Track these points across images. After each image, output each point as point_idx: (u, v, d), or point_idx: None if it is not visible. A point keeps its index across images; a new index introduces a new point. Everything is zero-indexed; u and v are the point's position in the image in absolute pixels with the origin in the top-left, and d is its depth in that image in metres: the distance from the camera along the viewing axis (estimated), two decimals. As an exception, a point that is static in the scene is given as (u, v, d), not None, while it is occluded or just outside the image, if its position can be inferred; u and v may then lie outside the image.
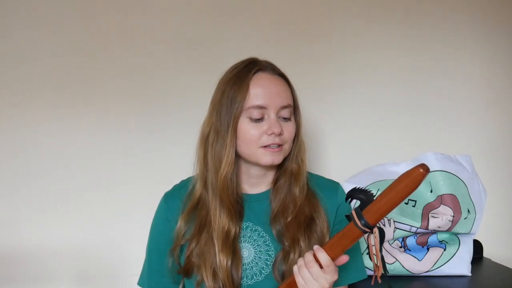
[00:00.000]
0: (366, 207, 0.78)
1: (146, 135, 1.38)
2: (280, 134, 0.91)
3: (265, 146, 0.91)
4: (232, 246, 0.91)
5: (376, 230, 0.79)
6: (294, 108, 0.97)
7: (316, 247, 0.82)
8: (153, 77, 1.38)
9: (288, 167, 0.98)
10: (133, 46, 1.37)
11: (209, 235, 0.92)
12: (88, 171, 1.35)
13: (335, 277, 0.81)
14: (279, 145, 0.92)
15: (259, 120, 0.91)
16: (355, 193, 0.80)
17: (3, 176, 1.32)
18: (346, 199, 0.82)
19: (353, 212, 0.79)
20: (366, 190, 0.80)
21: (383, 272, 0.84)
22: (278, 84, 0.94)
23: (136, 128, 1.37)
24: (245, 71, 0.93)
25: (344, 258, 0.82)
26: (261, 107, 0.90)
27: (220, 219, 0.92)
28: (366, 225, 0.77)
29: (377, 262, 0.83)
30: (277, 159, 0.92)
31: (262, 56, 1.00)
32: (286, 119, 0.94)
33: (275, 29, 1.42)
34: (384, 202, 0.75)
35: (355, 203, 0.81)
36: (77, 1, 1.34)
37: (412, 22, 1.48)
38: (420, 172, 0.71)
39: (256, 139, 0.91)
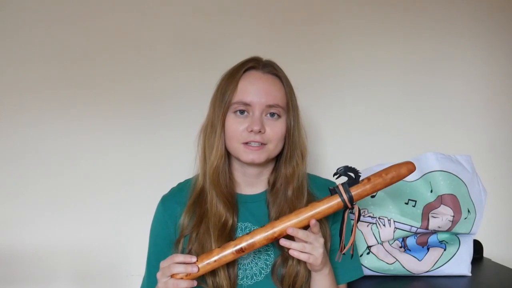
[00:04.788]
0: (353, 186, 0.85)
1: (146, 136, 1.38)
2: (260, 132, 0.91)
3: (246, 143, 0.92)
4: (228, 238, 0.91)
5: (356, 206, 0.86)
6: (288, 109, 0.96)
7: (298, 219, 0.84)
8: (154, 78, 1.38)
9: (283, 170, 0.98)
10: (134, 47, 1.37)
11: (206, 225, 0.93)
12: (88, 171, 1.36)
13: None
14: (262, 144, 0.92)
15: (243, 116, 0.92)
16: (347, 170, 0.85)
17: (4, 176, 1.32)
18: (334, 174, 0.86)
19: (340, 187, 0.85)
20: (356, 169, 0.85)
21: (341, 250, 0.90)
22: (269, 82, 0.94)
23: (136, 129, 1.38)
24: (238, 68, 0.95)
25: (313, 222, 0.85)
26: (245, 103, 0.91)
27: (216, 209, 0.93)
28: (350, 200, 0.84)
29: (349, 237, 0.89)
30: (258, 158, 0.92)
31: (262, 56, 1.00)
32: (274, 118, 0.93)
33: (275, 29, 1.42)
34: (370, 187, 0.85)
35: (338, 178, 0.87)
36: (79, 2, 1.34)
37: (412, 22, 1.48)
38: (407, 170, 0.85)
39: (238, 134, 0.92)
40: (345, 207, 0.85)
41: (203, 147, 0.98)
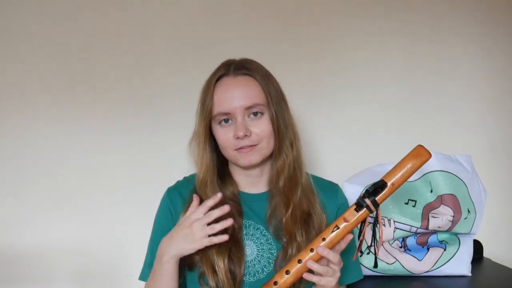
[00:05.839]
0: (380, 195, 0.83)
1: (146, 135, 1.38)
2: (247, 136, 0.91)
3: (238, 149, 0.93)
4: (229, 245, 0.91)
5: (379, 208, 0.85)
6: (268, 103, 0.94)
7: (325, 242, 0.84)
8: (154, 78, 1.38)
9: (275, 164, 0.97)
10: (133, 46, 1.37)
11: None
12: (88, 171, 1.36)
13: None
14: (253, 146, 0.93)
15: (228, 124, 0.93)
16: (375, 187, 0.84)
17: (4, 176, 1.32)
18: (364, 197, 0.84)
19: (368, 202, 0.83)
20: (384, 182, 0.83)
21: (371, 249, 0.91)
22: (240, 85, 0.93)
23: (136, 129, 1.37)
24: (211, 78, 0.96)
25: (349, 237, 0.85)
26: (225, 113, 0.92)
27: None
28: (376, 207, 0.83)
29: (377, 237, 0.90)
30: (254, 158, 0.93)
31: (259, 54, 1.00)
32: (257, 117, 0.93)
33: (273, 29, 1.42)
34: (393, 189, 0.83)
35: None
36: (78, 1, 1.34)
37: (411, 21, 1.48)
38: (426, 153, 0.84)
39: (229, 143, 0.93)
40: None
41: (194, 158, 1.00)
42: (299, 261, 0.84)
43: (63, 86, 1.34)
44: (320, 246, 0.82)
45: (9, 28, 1.32)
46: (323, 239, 0.83)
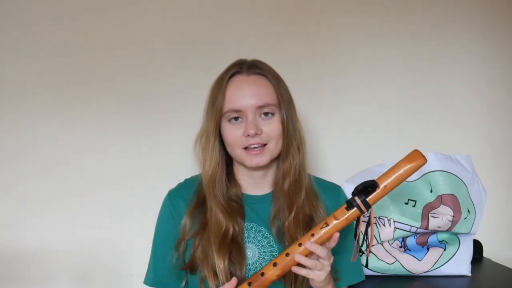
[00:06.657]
0: (371, 196, 0.82)
1: (147, 134, 1.38)
2: (257, 134, 0.91)
3: (246, 148, 0.92)
4: (230, 247, 0.91)
5: (372, 209, 0.84)
6: (279, 104, 0.94)
7: (312, 241, 0.83)
8: (155, 77, 1.38)
9: (281, 166, 0.97)
10: (133, 45, 1.37)
11: (208, 234, 0.93)
12: (88, 171, 1.36)
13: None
14: (262, 145, 0.93)
15: (237, 122, 0.93)
16: (364, 186, 0.83)
17: (3, 176, 1.32)
18: (353, 194, 0.84)
19: (358, 201, 0.82)
20: (374, 182, 0.82)
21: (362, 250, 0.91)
22: (254, 84, 0.93)
23: (136, 127, 1.37)
24: (223, 76, 0.95)
25: (336, 235, 0.84)
26: (236, 110, 0.92)
27: (216, 219, 0.93)
28: (367, 208, 0.83)
29: (369, 238, 0.88)
30: (262, 160, 0.93)
31: (259, 54, 1.00)
32: (268, 117, 0.93)
33: (273, 28, 1.42)
34: (385, 192, 0.82)
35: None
36: (78, 1, 1.34)
37: (411, 21, 1.48)
38: (422, 158, 0.82)
39: (237, 141, 0.93)
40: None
41: (199, 157, 0.99)
42: (287, 255, 0.84)
43: (63, 86, 1.34)
44: (309, 241, 0.82)
45: (9, 28, 1.32)
46: (312, 235, 0.83)
